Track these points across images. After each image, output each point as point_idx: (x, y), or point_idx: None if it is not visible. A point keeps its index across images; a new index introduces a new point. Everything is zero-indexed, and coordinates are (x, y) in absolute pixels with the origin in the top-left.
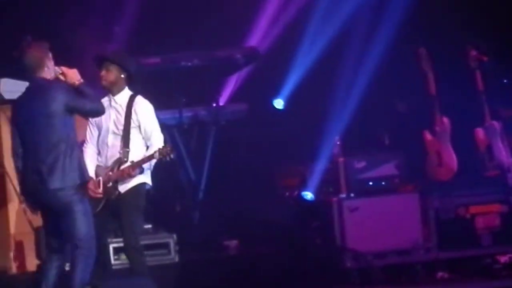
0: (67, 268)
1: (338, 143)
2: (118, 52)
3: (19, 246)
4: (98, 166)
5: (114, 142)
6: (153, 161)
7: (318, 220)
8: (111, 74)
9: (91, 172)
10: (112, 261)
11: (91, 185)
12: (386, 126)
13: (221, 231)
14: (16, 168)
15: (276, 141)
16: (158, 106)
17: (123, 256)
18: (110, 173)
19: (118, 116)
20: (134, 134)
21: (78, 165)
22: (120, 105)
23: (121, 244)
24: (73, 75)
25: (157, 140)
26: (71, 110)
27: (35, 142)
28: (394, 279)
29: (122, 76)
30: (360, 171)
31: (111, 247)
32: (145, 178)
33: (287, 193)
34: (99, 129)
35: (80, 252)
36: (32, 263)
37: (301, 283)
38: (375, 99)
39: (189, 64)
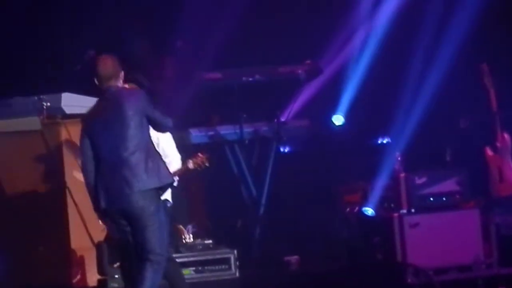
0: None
1: (399, 158)
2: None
3: (80, 261)
4: None
5: None
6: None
7: (379, 236)
8: None
9: None
10: None
11: None
12: (448, 142)
13: (282, 246)
14: (88, 184)
15: (338, 157)
16: (219, 121)
17: (184, 271)
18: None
19: None
20: None
21: (157, 170)
22: None
23: (182, 260)
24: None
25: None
26: (146, 117)
27: (115, 148)
28: None
29: None
30: (421, 187)
31: None
32: (166, 195)
33: (348, 209)
34: None
35: (151, 265)
36: (92, 278)
37: None
38: (437, 115)
39: (250, 79)
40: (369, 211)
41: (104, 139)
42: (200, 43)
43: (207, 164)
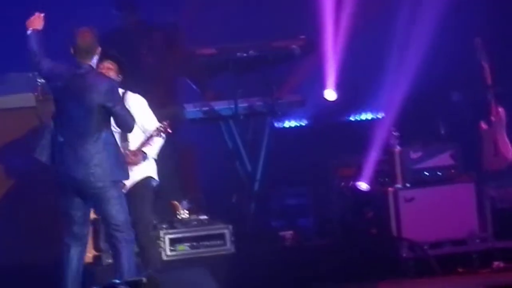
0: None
1: (394, 133)
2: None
3: None
4: None
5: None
6: (156, 148)
7: (373, 210)
8: (112, 72)
9: None
10: (168, 252)
11: None
12: (442, 116)
13: (277, 222)
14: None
15: (332, 132)
16: (214, 97)
17: (179, 247)
18: None
19: None
20: None
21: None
22: None
23: (177, 236)
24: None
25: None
26: (111, 110)
27: (73, 131)
28: (450, 269)
29: (120, 76)
30: (416, 161)
31: (167, 238)
32: (151, 171)
33: (342, 184)
34: None
35: (122, 236)
36: (88, 255)
37: (357, 274)
38: (430, 89)
39: (245, 54)
40: (363, 185)
41: (67, 117)
42: (193, 17)
43: (169, 131)
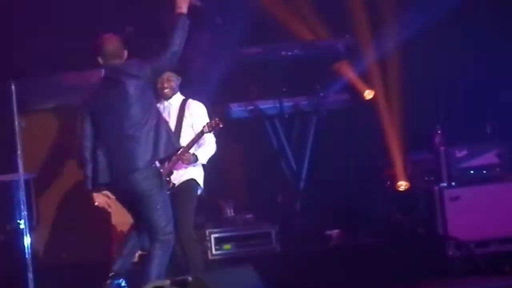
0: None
1: (439, 132)
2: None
3: (120, 237)
4: None
5: None
6: (208, 152)
7: (420, 209)
8: (173, 83)
9: None
10: (214, 251)
11: None
12: (489, 115)
13: (323, 221)
14: (83, 158)
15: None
16: (260, 96)
17: (225, 246)
18: (161, 170)
19: (171, 115)
20: (185, 132)
21: (157, 146)
22: (174, 107)
23: (223, 235)
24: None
25: (209, 137)
26: (151, 73)
27: (117, 127)
28: (496, 268)
29: (178, 81)
30: (461, 160)
31: (212, 237)
32: (197, 176)
33: (389, 183)
34: None
35: (160, 246)
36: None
37: (404, 272)
38: (477, 88)
39: (290, 53)
40: (402, 185)
41: (106, 118)
42: (239, 18)
43: (221, 125)
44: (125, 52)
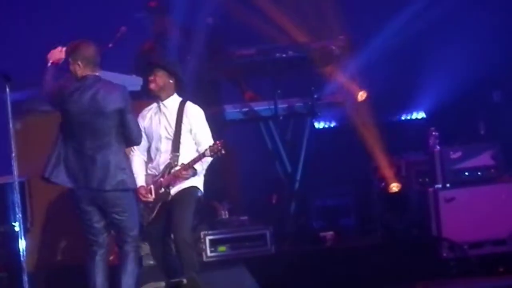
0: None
1: (433, 133)
2: (166, 58)
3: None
4: (147, 175)
5: (167, 148)
6: (205, 165)
7: (414, 211)
8: (159, 79)
9: (141, 180)
10: (208, 253)
11: (141, 191)
12: (482, 116)
13: (317, 223)
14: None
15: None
16: (253, 98)
17: (219, 248)
18: (161, 179)
19: (169, 121)
20: (184, 138)
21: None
22: (170, 110)
23: (218, 237)
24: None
25: (208, 143)
26: (122, 116)
27: (84, 139)
28: (490, 269)
29: (171, 81)
30: (456, 161)
31: (207, 239)
32: (197, 182)
33: (382, 184)
34: (149, 136)
35: (132, 251)
36: None
37: (398, 274)
38: (470, 89)
39: (284, 55)
40: (394, 187)
41: (77, 125)
42: (231, 19)
43: (223, 152)
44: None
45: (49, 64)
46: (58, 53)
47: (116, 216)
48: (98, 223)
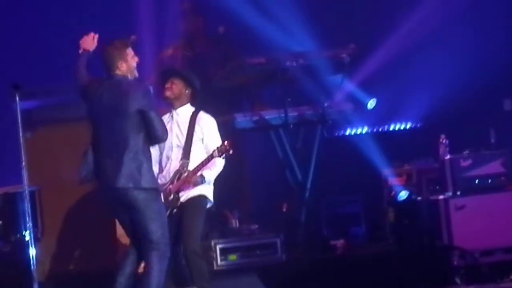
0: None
1: (444, 141)
2: (185, 69)
3: (126, 248)
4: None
5: (178, 155)
6: (214, 173)
7: (424, 219)
8: (176, 87)
9: None
10: (219, 262)
11: None
12: (492, 123)
13: (328, 231)
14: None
15: (382, 141)
16: (264, 106)
17: (230, 257)
18: (170, 186)
19: (181, 129)
20: (195, 146)
21: (140, 172)
22: (182, 119)
23: (228, 245)
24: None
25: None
26: (144, 114)
27: (110, 140)
28: (501, 277)
29: (187, 91)
30: (466, 169)
31: (217, 248)
32: (207, 191)
33: (393, 193)
34: (160, 145)
35: (155, 254)
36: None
37: (408, 282)
38: (482, 97)
39: (294, 64)
40: (402, 194)
41: (97, 123)
42: (243, 28)
43: (230, 151)
44: (124, 58)
45: (80, 51)
46: (90, 41)
47: (132, 217)
48: (125, 225)
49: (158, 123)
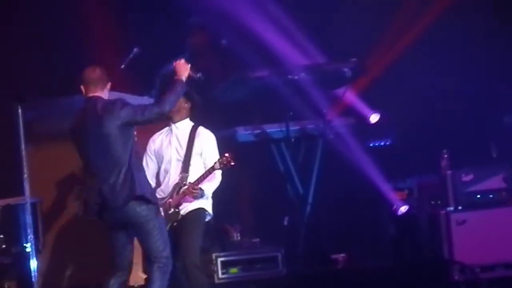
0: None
1: (445, 156)
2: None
3: None
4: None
5: (177, 169)
6: (214, 186)
7: (425, 233)
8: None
9: None
10: (220, 275)
11: None
12: (494, 138)
13: (329, 245)
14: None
15: (383, 154)
16: (265, 120)
17: (231, 270)
18: (170, 200)
19: (180, 143)
20: (195, 160)
21: (133, 184)
22: (182, 132)
23: (229, 258)
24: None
25: (217, 172)
26: (128, 122)
27: (94, 162)
28: None
29: (186, 105)
30: (467, 184)
31: (219, 261)
32: (206, 204)
33: (394, 207)
34: (158, 158)
35: (157, 268)
36: (137, 276)
37: None
38: (482, 112)
39: (296, 77)
40: (402, 209)
41: (86, 152)
42: (245, 41)
43: (232, 163)
44: (108, 84)
45: (182, 79)
46: (184, 67)
47: (134, 235)
48: (118, 242)
49: (149, 113)
